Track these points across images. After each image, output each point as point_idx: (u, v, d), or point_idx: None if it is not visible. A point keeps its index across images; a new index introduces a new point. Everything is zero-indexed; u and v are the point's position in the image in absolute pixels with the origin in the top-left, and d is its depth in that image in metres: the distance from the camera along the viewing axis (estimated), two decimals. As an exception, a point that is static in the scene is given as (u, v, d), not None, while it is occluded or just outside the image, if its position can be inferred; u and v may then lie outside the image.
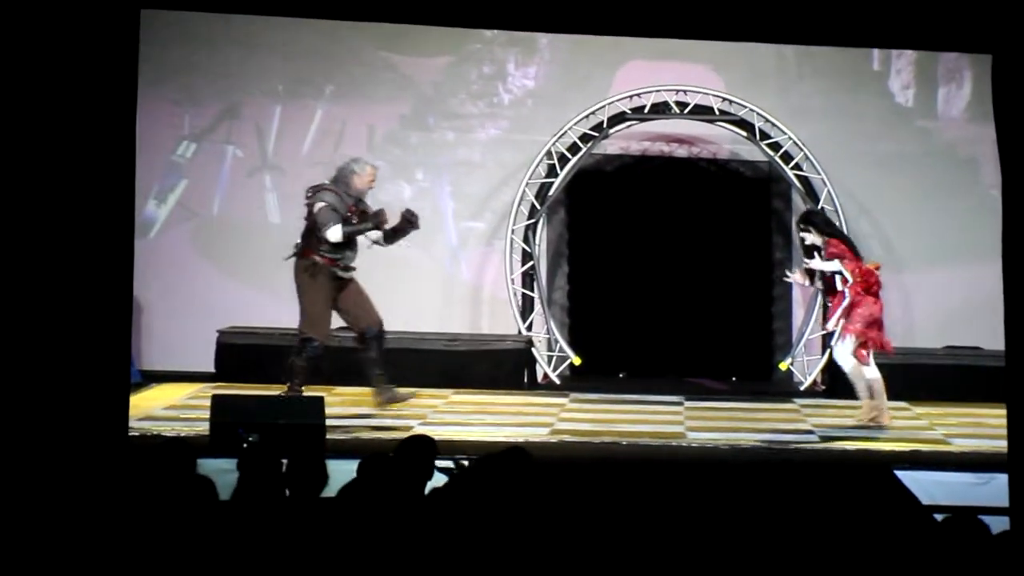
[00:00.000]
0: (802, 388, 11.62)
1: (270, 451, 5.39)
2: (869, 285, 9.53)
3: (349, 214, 9.49)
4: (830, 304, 9.67)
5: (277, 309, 11.83)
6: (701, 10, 6.24)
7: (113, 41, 4.91)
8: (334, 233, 9.37)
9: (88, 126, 4.90)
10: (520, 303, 11.71)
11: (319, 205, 9.43)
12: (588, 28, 10.35)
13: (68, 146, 4.87)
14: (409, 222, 9.60)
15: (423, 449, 5.44)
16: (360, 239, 9.60)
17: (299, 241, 9.56)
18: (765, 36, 9.54)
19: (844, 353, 9.55)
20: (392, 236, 9.62)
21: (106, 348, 4.97)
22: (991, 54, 5.07)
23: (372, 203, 12.17)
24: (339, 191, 9.52)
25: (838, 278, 9.52)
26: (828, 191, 11.67)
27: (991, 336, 8.07)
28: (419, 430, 8.47)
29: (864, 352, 9.49)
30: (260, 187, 12.14)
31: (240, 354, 11.17)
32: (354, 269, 9.57)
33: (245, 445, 7.50)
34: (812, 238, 9.61)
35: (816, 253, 9.58)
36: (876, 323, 9.51)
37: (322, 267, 9.42)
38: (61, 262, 4.88)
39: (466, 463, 5.25)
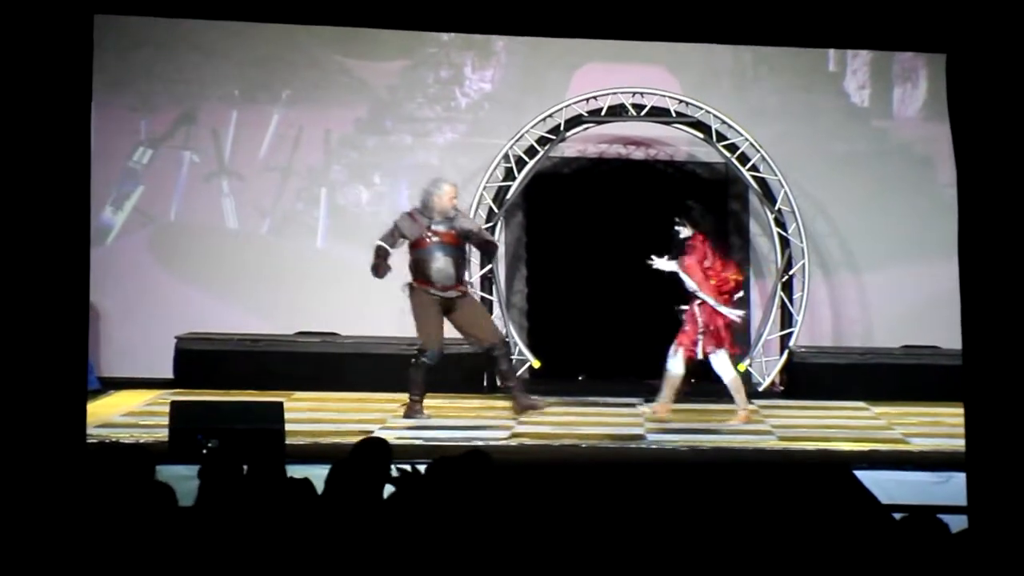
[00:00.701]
0: (760, 389, 11.64)
1: (231, 457, 5.35)
2: (722, 292, 9.60)
3: (424, 235, 9.67)
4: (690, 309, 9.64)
5: (235, 315, 11.81)
6: (656, 11, 6.25)
7: (66, 46, 4.86)
8: (375, 245, 9.75)
9: (41, 133, 4.83)
10: (479, 307, 11.66)
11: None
12: (545, 31, 10.39)
13: (21, 153, 4.82)
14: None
15: (377, 452, 5.40)
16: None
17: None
18: (720, 37, 9.55)
19: (724, 364, 9.62)
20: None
21: (63, 355, 4.95)
22: (945, 53, 5.15)
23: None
24: (416, 214, 9.74)
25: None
26: (785, 192, 11.71)
27: (949, 335, 8.09)
28: (379, 434, 8.41)
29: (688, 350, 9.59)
30: (217, 192, 12.09)
31: (198, 360, 11.13)
32: (457, 291, 9.78)
33: (204, 451, 7.46)
34: (686, 232, 9.61)
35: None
36: (722, 326, 9.60)
37: (418, 289, 9.70)
38: (15, 269, 4.87)
39: (408, 468, 5.21)
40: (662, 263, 9.59)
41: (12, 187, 4.80)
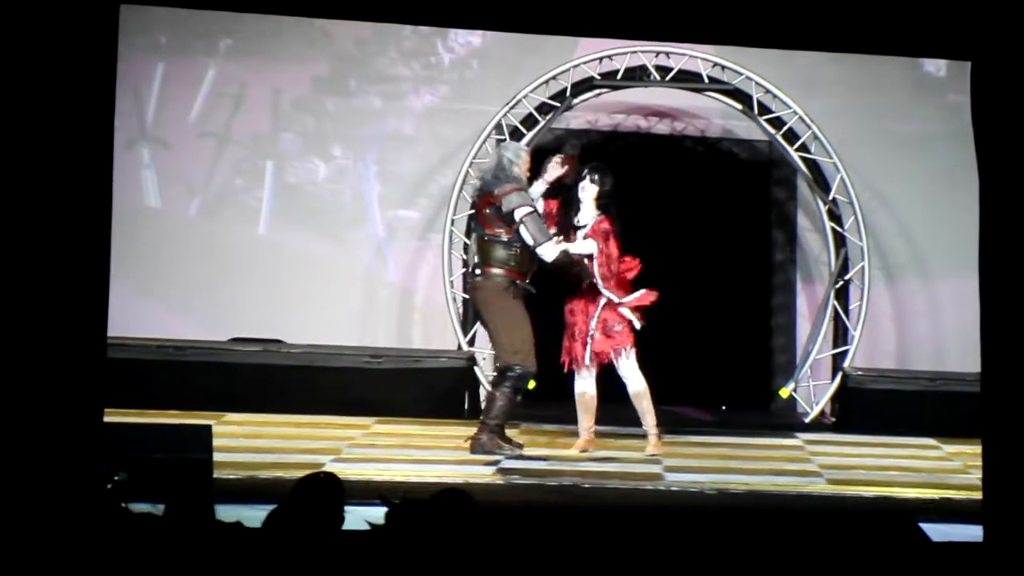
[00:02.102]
0: (807, 420, 11.67)
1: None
2: (625, 282, 9.66)
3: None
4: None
5: (154, 315, 11.73)
6: (678, 11, 6.66)
7: (92, 37, 5.61)
8: (550, 251, 9.35)
9: (65, 123, 5.57)
10: (461, 311, 11.67)
11: (524, 211, 9.33)
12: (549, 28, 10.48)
13: (43, 144, 5.54)
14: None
15: (326, 491, 5.32)
16: None
17: (481, 254, 9.48)
18: (745, 40, 9.74)
19: (634, 370, 9.64)
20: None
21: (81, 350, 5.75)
22: (970, 61, 5.72)
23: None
24: (523, 187, 9.45)
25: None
26: (841, 178, 11.72)
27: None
28: (331, 468, 8.38)
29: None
30: (136, 163, 12.06)
31: (107, 371, 11.02)
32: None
33: (110, 485, 7.36)
34: (589, 196, 9.55)
35: (573, 218, 9.54)
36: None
37: (511, 283, 9.45)
38: (29, 265, 5.51)
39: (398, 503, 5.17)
40: (580, 246, 9.46)
41: (32, 178, 5.53)
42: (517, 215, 9.34)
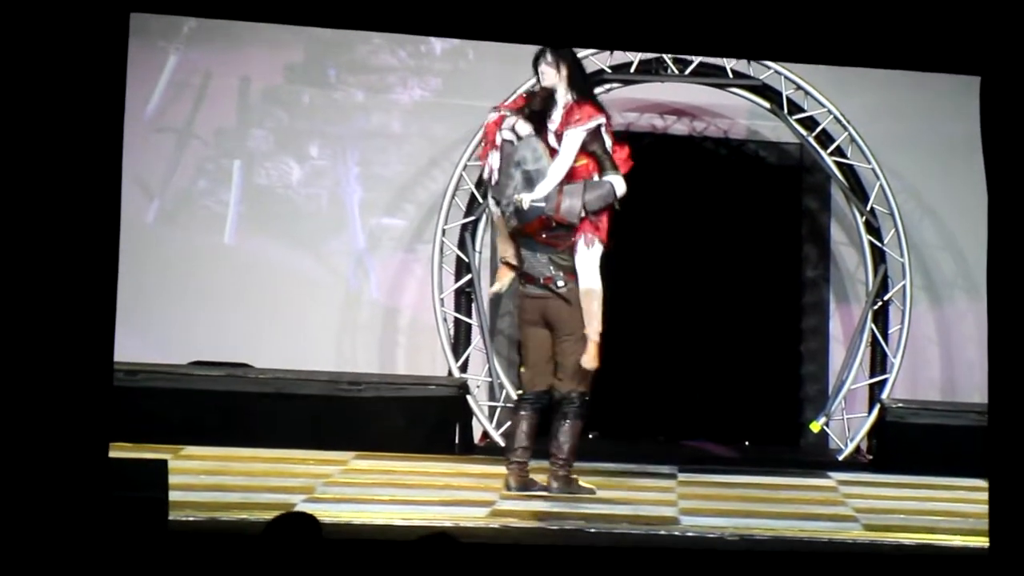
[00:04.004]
0: (841, 457, 11.69)
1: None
2: None
3: None
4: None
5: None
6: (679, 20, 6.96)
7: (100, 44, 6.04)
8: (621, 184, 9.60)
9: (73, 131, 5.92)
10: (452, 333, 11.68)
11: (582, 211, 9.46)
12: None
13: (52, 151, 5.90)
14: None
15: (301, 534, 5.33)
16: None
17: (556, 268, 9.50)
18: (744, 53, 9.91)
19: (593, 265, 9.53)
20: None
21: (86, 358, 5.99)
22: (980, 76, 6.13)
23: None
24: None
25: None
26: (881, 186, 11.73)
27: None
28: (304, 509, 8.32)
29: None
30: (87, 162, 12.06)
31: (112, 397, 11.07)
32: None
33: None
34: (551, 79, 9.38)
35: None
36: None
37: None
38: (40, 274, 5.82)
39: None
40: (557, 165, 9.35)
41: (39, 187, 5.87)
42: (581, 217, 9.40)
